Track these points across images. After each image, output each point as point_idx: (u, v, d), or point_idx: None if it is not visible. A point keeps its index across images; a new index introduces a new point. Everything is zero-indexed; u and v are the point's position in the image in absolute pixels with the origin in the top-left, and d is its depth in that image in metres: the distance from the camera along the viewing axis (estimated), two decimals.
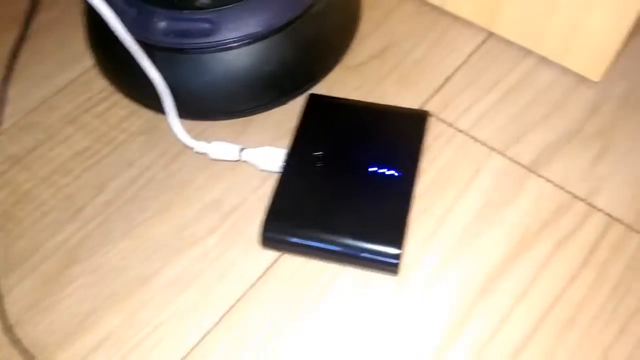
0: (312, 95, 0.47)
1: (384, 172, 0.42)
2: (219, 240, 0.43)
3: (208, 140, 0.45)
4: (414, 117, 0.45)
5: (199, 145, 0.45)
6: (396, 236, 0.39)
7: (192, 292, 0.41)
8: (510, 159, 0.45)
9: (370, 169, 0.42)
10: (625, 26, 0.44)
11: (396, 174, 0.42)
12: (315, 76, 0.48)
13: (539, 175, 0.44)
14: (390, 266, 0.39)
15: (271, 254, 0.42)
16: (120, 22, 0.40)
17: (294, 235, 0.40)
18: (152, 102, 0.45)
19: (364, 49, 0.52)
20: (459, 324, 0.39)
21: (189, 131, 0.46)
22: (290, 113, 0.47)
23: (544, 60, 0.50)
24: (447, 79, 0.50)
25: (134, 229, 0.43)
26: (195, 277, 0.41)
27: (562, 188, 0.44)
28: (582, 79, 0.49)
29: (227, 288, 0.41)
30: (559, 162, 0.45)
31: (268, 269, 0.41)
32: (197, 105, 0.46)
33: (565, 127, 0.47)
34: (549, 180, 0.44)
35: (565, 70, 0.49)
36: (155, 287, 0.41)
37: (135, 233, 0.43)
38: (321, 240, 0.40)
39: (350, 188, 0.41)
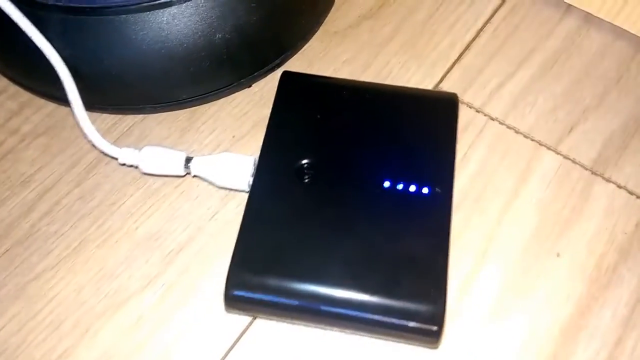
0: (287, 74, 0.34)
1: (406, 189, 0.29)
2: (160, 298, 0.31)
3: (138, 144, 0.33)
4: (439, 104, 0.33)
5: (125, 154, 0.32)
6: (433, 288, 0.27)
7: None
8: (565, 156, 0.34)
9: (385, 185, 0.29)
10: None
11: (425, 190, 0.29)
12: (288, 46, 0.37)
13: (607, 180, 0.33)
14: (426, 335, 0.27)
15: (241, 319, 0.30)
16: None
17: (273, 292, 0.28)
18: (53, 89, 0.33)
19: (352, 6, 0.40)
20: None
21: (109, 130, 0.35)
22: (259, 101, 0.36)
23: (590, 18, 0.39)
24: (467, 47, 0.38)
25: (30, 284, 0.31)
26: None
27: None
28: None
29: None
30: (630, 159, 0.34)
31: (237, 341, 0.29)
32: (118, 92, 0.35)
33: (630, 110, 0.36)
34: (620, 187, 0.33)
35: (620, 33, 0.39)
36: None
37: (33, 291, 0.31)
38: (313, 298, 0.27)
39: (356, 215, 0.29)
